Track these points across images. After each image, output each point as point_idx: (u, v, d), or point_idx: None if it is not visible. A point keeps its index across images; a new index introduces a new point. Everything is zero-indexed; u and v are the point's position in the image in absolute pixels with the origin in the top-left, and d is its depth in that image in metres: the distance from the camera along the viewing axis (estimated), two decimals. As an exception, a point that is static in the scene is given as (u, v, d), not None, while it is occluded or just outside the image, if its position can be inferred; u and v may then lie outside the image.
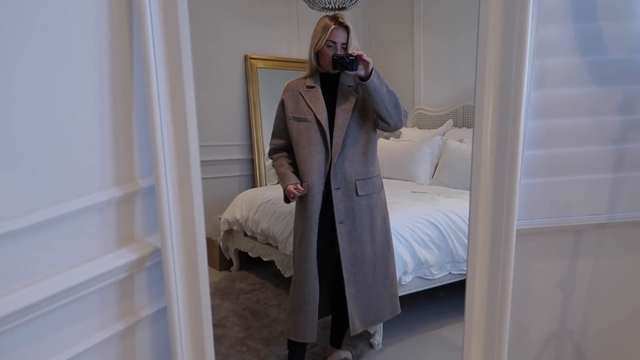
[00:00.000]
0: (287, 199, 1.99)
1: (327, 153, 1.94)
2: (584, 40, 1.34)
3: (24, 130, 1.02)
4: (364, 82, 1.84)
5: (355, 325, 1.99)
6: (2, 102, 0.98)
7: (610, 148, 1.42)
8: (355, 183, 1.95)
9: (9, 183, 1.00)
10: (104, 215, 1.18)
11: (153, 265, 1.28)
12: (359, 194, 1.95)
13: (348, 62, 1.80)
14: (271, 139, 2.13)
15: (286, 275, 3.00)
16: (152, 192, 1.24)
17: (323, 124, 1.93)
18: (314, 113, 1.93)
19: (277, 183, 4.30)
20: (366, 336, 2.51)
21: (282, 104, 2.03)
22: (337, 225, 1.93)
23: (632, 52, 1.37)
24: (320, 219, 1.94)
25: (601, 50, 1.35)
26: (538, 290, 1.61)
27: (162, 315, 1.32)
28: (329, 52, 1.89)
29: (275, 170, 2.08)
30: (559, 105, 1.38)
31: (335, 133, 1.93)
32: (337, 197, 1.93)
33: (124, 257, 1.20)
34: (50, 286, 1.06)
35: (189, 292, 1.25)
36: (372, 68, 1.84)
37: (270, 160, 2.16)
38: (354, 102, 1.94)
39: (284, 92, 2.03)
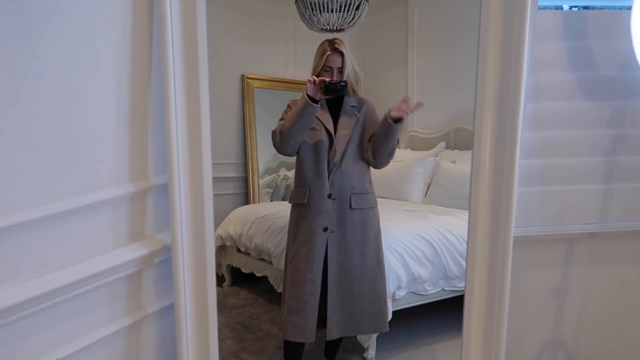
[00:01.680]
0: (312, 98, 1.88)
1: (331, 161, 2.00)
2: (576, 56, 1.43)
3: (47, 122, 1.06)
4: (394, 123, 1.93)
5: (332, 331, 2.01)
6: (28, 93, 1.02)
7: (601, 160, 1.49)
8: (350, 196, 2.01)
9: (30, 173, 1.04)
10: (117, 210, 1.21)
11: (162, 261, 1.31)
12: (353, 207, 2.01)
13: (339, 87, 1.88)
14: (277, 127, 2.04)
15: (279, 291, 2.99)
16: (163, 190, 1.28)
17: (332, 133, 2.01)
18: (322, 123, 2.01)
19: (271, 201, 4.37)
20: (360, 350, 2.52)
21: (289, 108, 2.06)
22: (329, 234, 1.98)
23: (621, 69, 1.46)
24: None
25: (592, 66, 1.44)
26: (532, 298, 1.65)
27: (168, 313, 1.34)
28: (327, 77, 1.99)
29: (288, 117, 1.96)
30: (553, 118, 1.45)
31: (336, 147, 2.00)
32: (332, 207, 1.99)
33: (135, 251, 1.23)
34: (64, 276, 1.08)
35: (197, 290, 1.28)
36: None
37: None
38: (355, 121, 2.04)
39: (291, 102, 2.09)
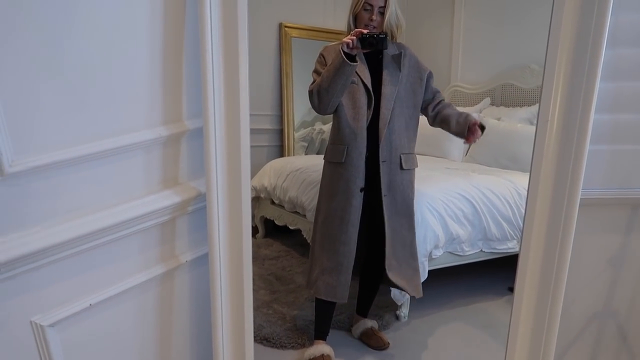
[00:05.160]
0: (349, 56, 1.71)
1: (369, 119, 1.88)
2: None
3: (78, 60, 0.99)
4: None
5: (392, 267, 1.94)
6: (59, 31, 0.94)
7: (683, 116, 1.33)
8: (401, 157, 1.91)
9: (59, 112, 0.98)
10: (149, 154, 1.15)
11: (195, 210, 1.25)
12: (404, 167, 1.92)
13: (378, 40, 1.68)
14: (311, 85, 1.90)
15: (312, 244, 2.97)
16: (198, 135, 1.21)
17: (370, 88, 1.87)
18: (359, 76, 1.87)
19: (306, 154, 4.30)
20: (392, 307, 2.48)
21: (323, 58, 1.93)
22: (383, 198, 1.89)
23: None
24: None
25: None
26: (586, 265, 1.54)
27: (202, 262, 1.30)
28: (366, 16, 1.83)
29: (324, 76, 1.80)
30: (631, 66, 1.28)
31: (383, 105, 1.87)
32: (383, 169, 1.89)
33: (168, 198, 1.17)
34: (97, 220, 1.04)
35: (232, 239, 1.22)
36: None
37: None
38: (399, 76, 1.89)
39: (324, 50, 1.94)
